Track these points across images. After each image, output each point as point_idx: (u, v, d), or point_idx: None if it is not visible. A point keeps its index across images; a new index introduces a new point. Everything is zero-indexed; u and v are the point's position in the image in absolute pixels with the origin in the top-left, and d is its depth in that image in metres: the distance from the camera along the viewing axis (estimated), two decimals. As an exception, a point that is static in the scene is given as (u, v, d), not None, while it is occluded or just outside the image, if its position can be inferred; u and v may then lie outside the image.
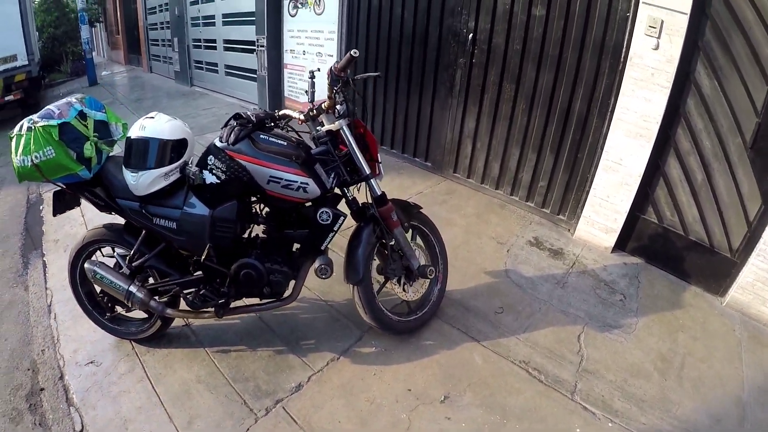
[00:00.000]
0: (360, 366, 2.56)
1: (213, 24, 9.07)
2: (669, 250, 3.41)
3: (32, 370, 2.84)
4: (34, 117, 2.20)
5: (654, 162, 3.29)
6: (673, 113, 3.16)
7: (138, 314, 2.75)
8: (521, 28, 3.88)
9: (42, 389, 2.68)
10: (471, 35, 4.23)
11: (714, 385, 2.51)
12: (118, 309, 2.74)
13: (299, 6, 6.05)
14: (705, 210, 3.19)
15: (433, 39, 4.60)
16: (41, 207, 5.10)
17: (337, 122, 2.33)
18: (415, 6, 4.68)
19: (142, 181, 2.23)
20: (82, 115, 2.29)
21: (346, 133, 2.33)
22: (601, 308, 3.03)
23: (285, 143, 2.27)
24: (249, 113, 2.31)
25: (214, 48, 9.21)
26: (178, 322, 2.83)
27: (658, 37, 3.04)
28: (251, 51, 7.38)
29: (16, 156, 2.19)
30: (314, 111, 2.38)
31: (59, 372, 2.73)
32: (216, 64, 9.31)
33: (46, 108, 2.26)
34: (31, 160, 2.15)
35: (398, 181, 4.78)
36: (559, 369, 2.55)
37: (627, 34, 3.24)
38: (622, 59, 3.29)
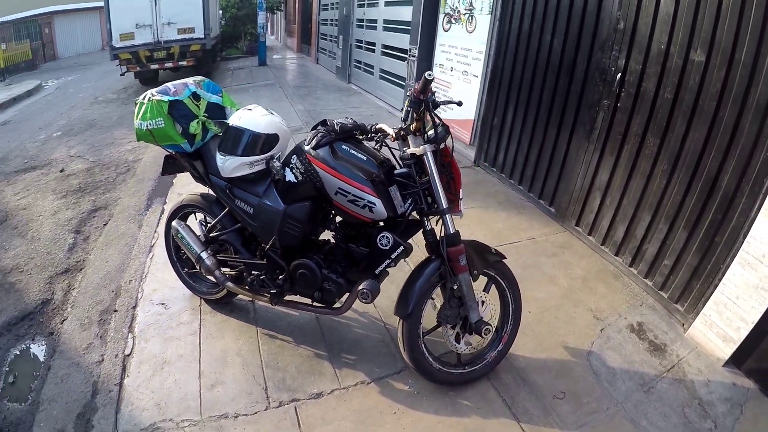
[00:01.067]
0: (385, 399, 2.52)
1: (375, 28, 9.64)
2: None
3: (116, 293, 3.41)
4: (153, 90, 2.61)
5: None
6: None
7: (210, 277, 3.01)
8: (675, 74, 3.34)
9: (116, 310, 3.21)
10: (619, 75, 3.77)
11: None
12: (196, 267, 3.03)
13: (453, 22, 6.05)
14: None
15: (580, 73, 4.20)
16: None
17: (422, 147, 2.25)
18: (565, 35, 4.33)
19: (228, 165, 2.50)
20: (195, 96, 2.65)
21: (429, 160, 2.24)
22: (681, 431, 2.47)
23: (365, 158, 2.28)
24: (337, 122, 2.33)
25: (373, 51, 9.78)
26: (245, 297, 3.05)
27: None
28: (404, 59, 7.61)
29: (137, 119, 2.62)
30: (402, 131, 2.32)
31: (134, 302, 3.26)
32: (372, 66, 9.87)
33: (164, 85, 2.66)
34: (147, 126, 2.57)
35: (515, 220, 4.50)
36: None
37: None
38: None
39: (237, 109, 2.72)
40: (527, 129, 4.89)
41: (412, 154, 2.27)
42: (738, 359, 2.91)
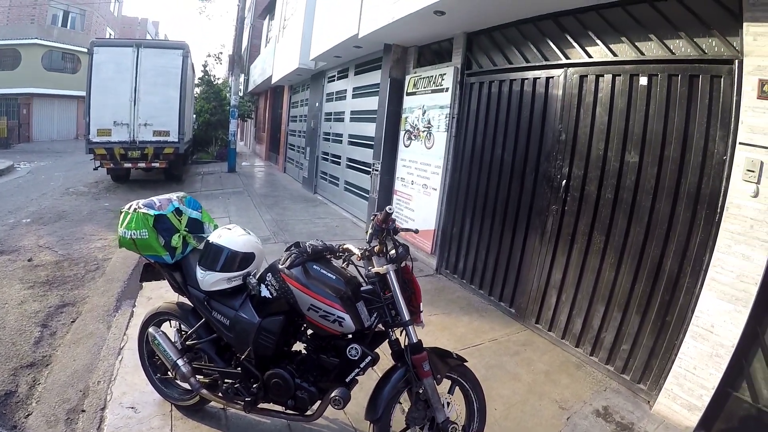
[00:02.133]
0: None
1: (340, 141, 10.23)
2: None
3: (83, 392, 3.29)
4: (140, 202, 2.78)
5: (752, 330, 2.83)
6: None
7: (184, 383, 3.02)
8: (614, 176, 3.81)
9: (83, 411, 3.09)
10: (564, 181, 4.22)
11: None
12: (170, 374, 3.03)
13: (413, 138, 6.58)
14: None
15: (529, 182, 4.66)
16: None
17: (385, 266, 2.47)
18: (514, 147, 4.86)
19: (208, 279, 2.64)
20: (178, 212, 2.84)
21: (392, 278, 2.45)
22: None
23: (334, 277, 2.50)
24: (309, 244, 2.56)
25: (338, 163, 10.28)
26: (216, 404, 3.02)
27: (758, 183, 2.80)
28: (368, 172, 8.07)
29: (121, 228, 2.76)
30: (367, 252, 2.56)
31: (103, 404, 3.13)
32: (338, 178, 10.32)
33: (149, 198, 2.83)
34: (131, 235, 2.71)
35: (477, 324, 4.59)
36: None
37: (723, 180, 3.03)
38: (718, 210, 3.04)
39: (214, 225, 2.99)
40: (484, 236, 5.23)
41: (377, 273, 2.49)
42: (706, 424, 3.02)
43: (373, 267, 2.52)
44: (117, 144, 11.16)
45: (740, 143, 2.90)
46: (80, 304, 4.77)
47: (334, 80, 10.83)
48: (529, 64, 4.69)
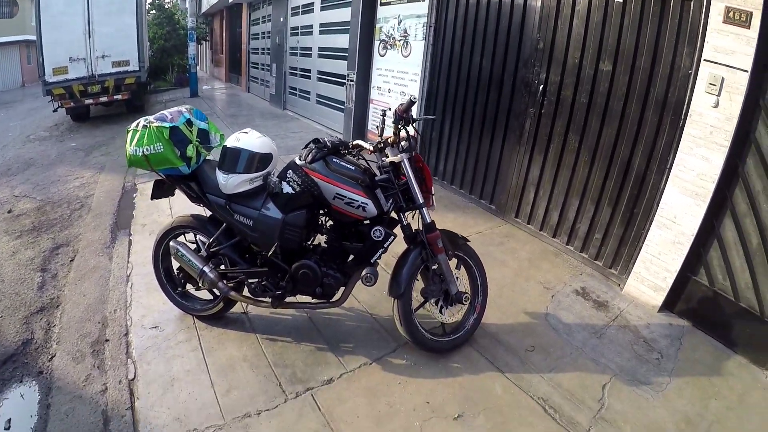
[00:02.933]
0: (388, 373, 2.75)
1: (309, 55, 9.89)
2: (717, 315, 3.23)
3: (102, 324, 3.26)
4: (150, 117, 2.70)
5: (709, 222, 3.18)
6: (731, 173, 3.06)
7: (204, 294, 3.15)
8: (588, 82, 3.95)
9: (107, 340, 3.08)
10: (542, 86, 4.35)
11: None
12: (189, 287, 3.14)
13: (388, 47, 6.49)
14: (758, 276, 3.01)
15: (507, 87, 4.76)
16: (134, 195, 5.82)
17: (399, 155, 2.61)
18: (492, 55, 4.90)
19: (231, 182, 2.65)
20: (188, 123, 2.77)
21: (406, 166, 2.60)
22: (634, 363, 2.94)
23: (353, 168, 2.60)
24: (326, 139, 2.66)
25: (309, 77, 9.99)
26: (236, 309, 3.17)
27: (718, 95, 3.01)
28: (342, 84, 7.98)
29: (131, 146, 2.67)
30: (381, 144, 2.67)
31: (125, 330, 3.14)
32: (308, 92, 10.07)
33: (160, 112, 2.76)
34: (143, 152, 2.64)
35: (462, 220, 4.91)
36: (575, 412, 2.54)
37: (688, 91, 3.21)
38: (682, 116, 3.26)
39: (221, 135, 2.95)
40: (464, 139, 5.40)
41: (391, 162, 2.64)
42: (670, 304, 3.48)
43: (387, 158, 2.65)
44: (75, 81, 10.47)
45: (705, 60, 3.06)
46: (74, 242, 4.71)
47: None
48: (508, -25, 4.57)
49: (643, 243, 3.54)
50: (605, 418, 2.51)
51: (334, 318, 3.23)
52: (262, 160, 2.66)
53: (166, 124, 2.67)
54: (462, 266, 2.98)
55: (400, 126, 2.64)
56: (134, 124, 2.74)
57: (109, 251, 4.33)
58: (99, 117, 12.15)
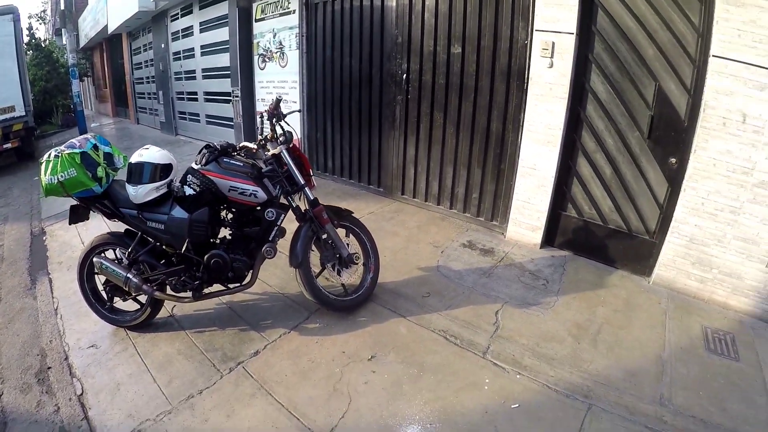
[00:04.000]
0: (305, 337, 2.80)
1: (194, 78, 9.22)
2: (592, 240, 3.40)
3: (41, 355, 3.11)
4: (61, 147, 2.72)
5: (565, 164, 3.34)
6: (576, 119, 3.23)
7: (131, 306, 3.11)
8: (443, 65, 4.03)
9: (49, 368, 2.96)
10: (405, 75, 4.37)
11: (632, 348, 2.49)
12: (116, 300, 3.11)
13: (267, 60, 6.23)
14: (618, 200, 3.22)
15: (376, 81, 4.74)
16: (44, 237, 5.28)
17: (278, 147, 2.76)
18: (360, 54, 4.85)
19: (140, 192, 2.69)
20: (95, 147, 2.79)
21: (285, 155, 2.76)
22: (522, 291, 3.00)
23: (242, 164, 2.75)
24: (216, 143, 2.79)
25: (196, 100, 9.33)
26: (162, 314, 3.12)
27: (551, 57, 3.17)
28: (228, 101, 7.55)
29: (45, 176, 2.67)
30: (263, 141, 2.84)
31: (64, 354, 3.02)
32: (198, 114, 9.39)
33: (69, 141, 2.79)
34: (58, 179, 2.65)
35: (354, 205, 4.67)
36: (474, 335, 2.60)
37: (527, 58, 3.37)
38: (525, 80, 3.40)
39: (123, 157, 2.94)
40: (345, 135, 5.28)
41: (273, 155, 2.77)
42: (549, 240, 3.62)
43: (269, 151, 2.78)
44: None
45: (536, 30, 3.24)
46: None
47: (177, 18, 9.42)
48: (363, -17, 4.53)
49: (513, 193, 3.65)
50: (501, 335, 2.60)
51: (251, 303, 3.20)
52: (164, 169, 2.74)
53: (77, 150, 2.70)
54: (351, 235, 3.08)
55: (273, 122, 2.81)
56: (45, 156, 2.75)
57: (32, 292, 4.06)
58: None
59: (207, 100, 8.83)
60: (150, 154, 2.79)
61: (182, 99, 10.05)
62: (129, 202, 2.79)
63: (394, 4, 4.34)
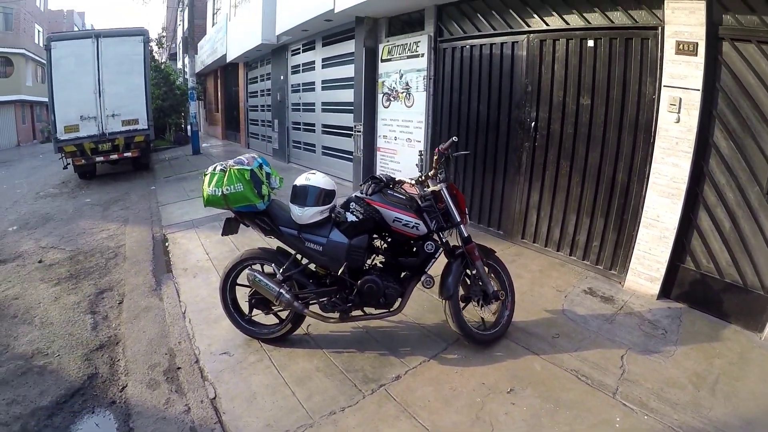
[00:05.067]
0: (445, 366, 3.31)
1: (312, 110, 10.63)
2: (708, 293, 3.93)
3: (169, 354, 3.58)
4: (230, 162, 3.21)
5: (686, 216, 3.95)
6: (698, 173, 3.86)
7: (269, 320, 3.60)
8: (572, 115, 4.81)
9: (179, 368, 3.40)
10: (533, 123, 5.19)
11: (747, 399, 2.92)
12: (255, 314, 3.60)
13: (392, 99, 7.36)
14: (736, 254, 3.75)
15: (503, 127, 5.60)
16: (166, 244, 6.28)
17: (439, 185, 3.31)
18: (488, 100, 5.77)
19: (306, 213, 3.19)
20: (260, 166, 3.27)
21: (445, 192, 3.30)
22: (643, 338, 3.58)
23: (404, 197, 3.31)
24: (383, 176, 3.38)
25: (313, 131, 10.72)
26: (298, 332, 3.62)
27: (678, 112, 3.84)
28: (347, 135, 8.80)
29: (209, 187, 3.17)
30: (423, 178, 3.44)
31: (195, 358, 3.49)
32: (314, 145, 10.76)
33: (237, 158, 3.27)
34: (222, 192, 3.13)
35: None
36: (603, 376, 3.14)
37: (654, 112, 4.05)
38: (652, 133, 4.07)
39: (280, 178, 3.43)
40: (468, 176, 6.18)
41: (432, 191, 3.32)
42: (666, 291, 4.17)
43: (428, 187, 3.33)
44: (86, 139, 10.85)
45: (664, 86, 3.91)
46: (118, 287, 4.97)
47: (299, 52, 11.10)
48: (495, 32, 5.53)
49: (634, 243, 4.28)
50: (628, 379, 3.10)
51: (388, 329, 3.77)
52: (329, 195, 3.24)
53: (246, 167, 3.15)
54: (492, 273, 3.61)
55: (442, 161, 3.34)
56: (210, 168, 3.25)
57: (158, 293, 4.69)
58: (105, 175, 12.64)
59: (324, 132, 10.20)
60: (317, 179, 3.25)
61: (298, 129, 11.60)
62: (289, 221, 3.26)
63: (525, 53, 5.23)
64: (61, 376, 3.44)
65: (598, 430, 2.68)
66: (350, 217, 3.23)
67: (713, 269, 3.89)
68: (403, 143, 7.20)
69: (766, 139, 3.51)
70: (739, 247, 3.72)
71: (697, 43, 3.67)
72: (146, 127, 11.60)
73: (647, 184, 4.11)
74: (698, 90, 3.72)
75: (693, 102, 3.75)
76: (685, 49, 3.73)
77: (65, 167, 11.38)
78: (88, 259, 5.90)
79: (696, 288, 4.00)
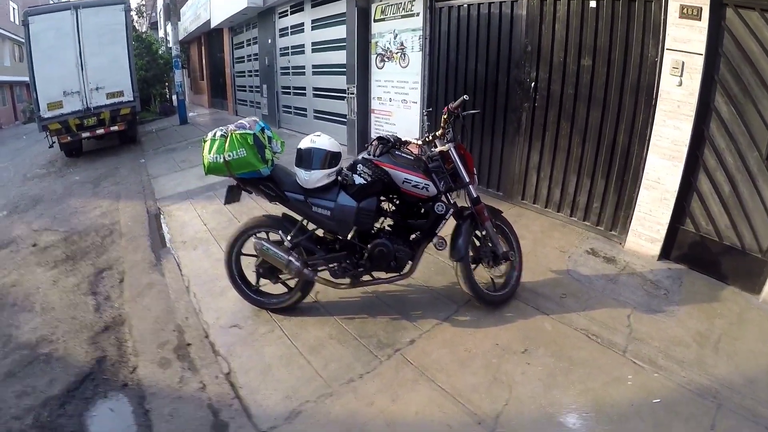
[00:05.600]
0: (458, 328, 3.39)
1: (303, 74, 10.50)
2: (707, 255, 4.08)
3: (178, 331, 3.54)
4: (230, 126, 3.11)
5: (687, 179, 4.05)
6: (699, 137, 3.94)
7: (277, 289, 3.59)
8: (573, 76, 4.82)
9: (189, 344, 3.38)
10: (533, 83, 5.20)
11: (748, 358, 3.06)
12: (261, 283, 3.58)
13: (386, 60, 7.27)
14: (734, 217, 3.88)
15: (502, 87, 5.60)
16: (162, 217, 6.28)
17: (447, 145, 3.31)
18: (486, 60, 5.74)
19: (313, 177, 3.13)
20: (262, 130, 3.19)
21: (453, 153, 3.30)
22: (647, 298, 3.75)
23: (412, 158, 3.30)
24: (391, 136, 3.33)
25: (303, 95, 10.61)
26: (307, 300, 3.63)
27: (681, 76, 3.89)
28: (340, 98, 8.73)
29: (210, 154, 3.08)
30: (430, 138, 3.41)
31: (204, 333, 3.48)
32: (305, 109, 10.66)
33: (238, 122, 3.17)
34: (224, 158, 3.03)
35: None
36: (612, 335, 3.28)
37: (657, 75, 4.08)
38: (654, 96, 4.12)
39: (281, 142, 3.36)
40: (466, 135, 6.12)
41: (440, 152, 3.33)
42: (666, 252, 4.32)
43: (436, 147, 3.34)
44: (71, 115, 10.58)
45: (667, 49, 3.94)
46: (117, 265, 4.94)
47: (286, 15, 10.82)
48: (494, -9, 5.46)
49: (635, 204, 4.40)
50: (635, 338, 3.26)
51: (398, 294, 3.83)
52: (335, 157, 3.17)
53: (249, 132, 3.06)
54: (500, 234, 3.65)
55: (452, 120, 3.34)
56: (210, 134, 3.14)
57: (159, 268, 4.66)
58: (92, 151, 12.46)
59: (315, 96, 10.10)
60: (322, 141, 3.17)
61: (288, 93, 11.44)
62: (295, 186, 3.19)
63: (524, 12, 5.18)
64: (69, 363, 3.41)
65: (612, 387, 2.81)
66: (358, 180, 3.19)
67: (712, 231, 4.02)
68: (398, 104, 7.16)
69: (766, 105, 3.58)
70: (737, 210, 3.84)
71: (701, 8, 3.67)
72: (132, 98, 11.36)
73: (648, 147, 4.19)
74: (701, 54, 3.75)
75: (695, 66, 3.79)
76: (689, 13, 3.73)
77: (51, 146, 11.16)
78: (83, 239, 5.85)
79: (696, 250, 4.15)
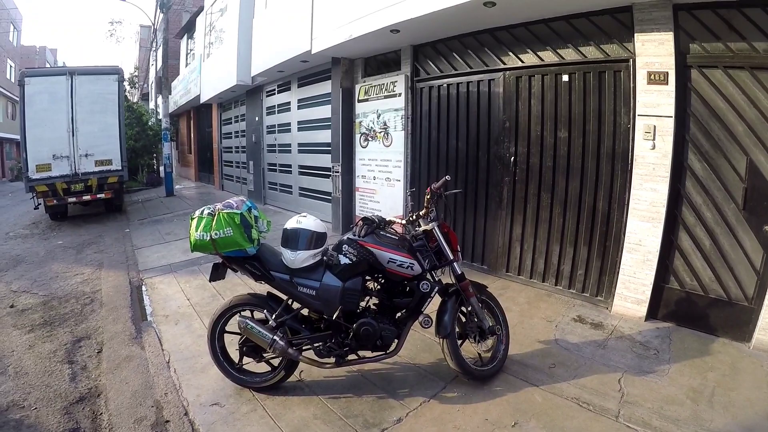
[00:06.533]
0: (446, 405, 3.29)
1: (289, 151, 10.79)
2: (694, 310, 4.10)
3: (156, 407, 3.41)
4: (218, 205, 3.17)
5: (667, 238, 4.15)
6: (676, 196, 4.09)
7: (260, 368, 3.52)
8: (550, 148, 5.05)
9: (167, 421, 3.25)
10: (512, 158, 5.41)
11: (744, 407, 3.05)
12: (245, 361, 3.52)
13: (370, 139, 7.54)
14: (718, 269, 3.94)
15: (483, 163, 5.81)
16: (144, 289, 6.15)
17: (430, 224, 3.38)
18: (466, 137, 6.00)
19: (299, 258, 3.16)
20: (249, 210, 3.22)
21: (437, 231, 3.37)
22: (637, 360, 3.70)
23: (397, 238, 3.35)
24: (375, 216, 3.41)
25: (289, 172, 10.83)
26: (291, 379, 3.53)
27: (653, 139, 4.10)
28: (325, 176, 8.92)
29: (197, 231, 3.11)
30: (414, 217, 3.48)
31: (184, 410, 3.34)
32: (290, 186, 10.84)
33: (226, 201, 3.22)
34: (211, 236, 3.07)
35: None
36: (604, 401, 3.21)
37: (630, 140, 4.31)
38: (629, 161, 4.32)
39: (267, 221, 3.38)
40: (450, 213, 6.19)
41: (424, 231, 3.40)
42: (653, 312, 4.33)
43: (420, 227, 3.41)
44: (59, 178, 10.68)
45: (639, 115, 4.20)
46: (95, 335, 4.77)
47: (274, 93, 11.31)
48: (471, 70, 5.81)
49: (619, 268, 4.45)
50: (628, 401, 3.19)
51: (384, 372, 3.72)
52: (320, 237, 3.23)
53: (236, 211, 3.11)
54: (485, 308, 3.65)
55: (434, 199, 3.41)
56: (197, 212, 3.19)
57: (139, 341, 4.53)
58: (77, 216, 12.31)
59: (301, 173, 10.32)
60: (307, 222, 3.24)
61: (274, 170, 11.72)
62: (281, 266, 3.21)
63: (501, 90, 5.51)
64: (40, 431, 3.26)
65: (606, 454, 2.73)
66: (343, 260, 3.23)
67: (697, 286, 4.07)
68: (382, 183, 7.33)
69: (738, 157, 3.77)
70: (720, 263, 3.92)
71: (667, 73, 3.97)
72: (120, 167, 11.52)
73: (627, 210, 4.32)
74: (671, 117, 3.99)
75: (666, 128, 4.01)
76: (657, 78, 4.02)
77: (36, 207, 11.21)
78: (62, 305, 5.67)
79: (682, 306, 4.17)
